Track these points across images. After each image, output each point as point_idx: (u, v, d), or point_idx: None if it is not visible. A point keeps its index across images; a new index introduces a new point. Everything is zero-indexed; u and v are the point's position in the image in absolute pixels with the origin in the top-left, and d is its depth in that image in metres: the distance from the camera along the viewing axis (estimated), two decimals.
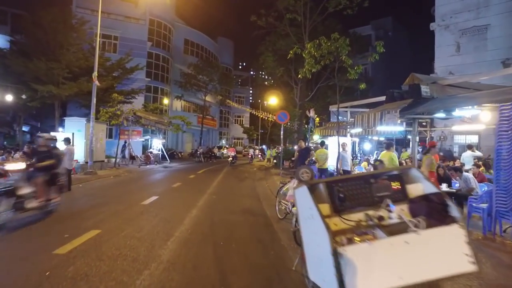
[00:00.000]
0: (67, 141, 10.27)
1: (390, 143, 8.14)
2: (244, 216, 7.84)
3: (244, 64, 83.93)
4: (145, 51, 30.01)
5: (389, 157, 8.06)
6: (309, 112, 27.94)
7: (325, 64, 10.23)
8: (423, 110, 8.60)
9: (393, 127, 15.58)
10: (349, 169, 11.15)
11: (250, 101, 60.61)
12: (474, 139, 21.05)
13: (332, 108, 14.96)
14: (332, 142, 15.34)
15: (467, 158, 12.07)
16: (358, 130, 15.04)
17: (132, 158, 22.00)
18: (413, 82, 10.09)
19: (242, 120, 55.91)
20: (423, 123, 16.66)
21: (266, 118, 48.79)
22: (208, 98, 39.14)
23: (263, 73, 30.87)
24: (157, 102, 32.24)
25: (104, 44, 27.07)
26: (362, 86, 9.56)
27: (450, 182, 8.59)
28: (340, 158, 11.26)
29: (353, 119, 14.59)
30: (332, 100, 31.16)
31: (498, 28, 20.11)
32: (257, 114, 45.11)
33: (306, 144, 21.82)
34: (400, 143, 24.61)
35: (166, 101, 35.22)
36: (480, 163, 12.23)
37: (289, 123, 32.03)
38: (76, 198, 9.51)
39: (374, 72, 37.98)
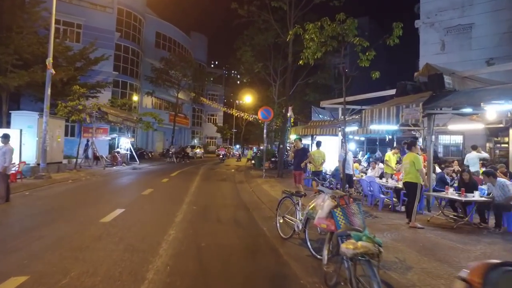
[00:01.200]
0: (5, 138, 7.93)
1: (413, 142, 6.57)
2: (238, 237, 6.01)
3: (217, 62, 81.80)
4: (112, 42, 27.21)
5: (412, 159, 6.49)
6: (287, 111, 26.49)
7: (326, 50, 8.55)
8: (451, 104, 7.14)
9: (386, 126, 14.29)
10: (351, 173, 9.58)
11: (224, 100, 58.46)
12: (458, 139, 20.38)
13: (324, 104, 13.38)
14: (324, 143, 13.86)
15: (472, 159, 10.91)
16: (352, 128, 13.60)
17: (97, 158, 19.42)
18: (429, 72, 8.67)
19: (216, 119, 53.72)
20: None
21: (241, 116, 47.07)
22: (180, 95, 36.74)
23: (241, 68, 28.93)
24: (126, 98, 29.50)
25: (65, 32, 24.08)
26: (375, 75, 7.94)
27: (477, 188, 7.20)
28: (340, 159, 9.66)
29: (356, 115, 13.17)
30: (311, 98, 29.90)
31: (482, 27, 19.50)
32: (231, 112, 43.19)
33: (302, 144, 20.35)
34: (385, 144, 23.70)
35: (135, 97, 32.50)
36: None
37: (263, 123, 30.60)
38: (11, 214, 7.23)
39: (351, 71, 37.19)
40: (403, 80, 9.22)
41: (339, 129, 14.00)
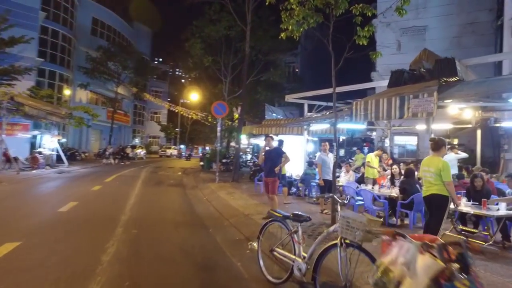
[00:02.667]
0: None
1: (441, 141, 4.79)
2: (201, 284, 3.80)
3: (161, 60, 76.59)
4: (36, 23, 22.76)
5: (439, 166, 4.62)
6: (244, 107, 24.49)
7: (309, 25, 6.66)
8: (472, 93, 5.65)
9: (354, 125, 12.96)
10: (331, 178, 7.83)
11: (168, 99, 54.52)
12: (413, 140, 20.11)
13: (290, 98, 11.59)
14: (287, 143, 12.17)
15: (451, 161, 9.86)
16: (321, 127, 12.02)
17: (9, 161, 15.53)
18: (428, 59, 7.23)
19: (159, 117, 49.76)
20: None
21: (187, 115, 43.93)
22: (120, 90, 32.82)
23: (189, 61, 26.24)
24: (55, 90, 25.08)
25: None
26: (376, 55, 6.22)
27: (490, 196, 5.84)
28: (319, 162, 7.87)
29: (315, 113, 11.51)
30: (262, 97, 28.25)
31: (435, 30, 19.43)
32: (177, 110, 40.00)
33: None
34: (342, 145, 22.84)
35: (68, 90, 28.04)
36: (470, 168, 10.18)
37: (214, 121, 28.19)
38: None
39: (302, 72, 36.44)
40: (360, 78, 7.73)
41: (305, 127, 12.36)
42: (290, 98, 11.60)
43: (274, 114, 24.64)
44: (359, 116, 6.63)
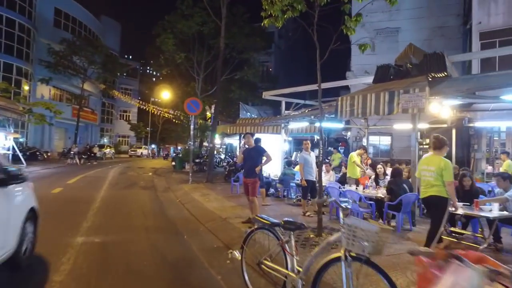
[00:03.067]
0: None
1: (444, 140, 4.41)
2: None
3: (131, 57, 73.72)
4: None
5: (441, 166, 4.15)
6: (210, 108, 23.81)
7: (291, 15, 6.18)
8: (463, 89, 5.39)
9: (332, 124, 12.68)
10: (314, 179, 7.42)
11: (138, 97, 52.61)
12: (387, 140, 20.29)
13: (267, 95, 11.10)
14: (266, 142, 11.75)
15: None
16: (299, 125, 11.62)
17: None
18: (414, 54, 6.97)
19: (129, 115, 47.74)
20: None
21: (158, 114, 42.44)
22: (87, 87, 31.01)
23: (160, 58, 25.13)
24: (12, 84, 23.12)
25: None
26: (365, 47, 5.85)
27: (478, 196, 5.63)
28: (301, 161, 7.42)
29: (292, 111, 11.07)
30: (236, 95, 27.69)
31: (407, 32, 19.72)
32: (148, 108, 38.50)
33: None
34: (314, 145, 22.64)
35: (27, 86, 26.03)
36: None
37: (186, 119, 27.24)
38: None
39: (276, 71, 36.17)
40: (334, 78, 7.44)
41: (282, 126, 11.92)
42: (267, 95, 11.11)
43: (248, 113, 24.14)
44: (345, 112, 6.24)
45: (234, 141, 25.39)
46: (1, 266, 3.14)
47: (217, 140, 33.23)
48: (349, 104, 6.15)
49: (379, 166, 7.42)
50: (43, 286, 3.36)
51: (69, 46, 25.64)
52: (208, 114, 25.38)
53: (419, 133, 7.47)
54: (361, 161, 8.95)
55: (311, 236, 5.51)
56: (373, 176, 7.65)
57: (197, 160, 20.09)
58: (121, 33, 46.23)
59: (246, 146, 6.49)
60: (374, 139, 20.34)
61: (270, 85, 34.29)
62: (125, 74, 48.05)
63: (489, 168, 12.35)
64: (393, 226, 6.32)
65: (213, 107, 23.86)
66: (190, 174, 13.28)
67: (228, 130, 18.23)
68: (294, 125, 11.48)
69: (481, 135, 14.38)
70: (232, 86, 27.76)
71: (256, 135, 12.41)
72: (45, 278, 3.55)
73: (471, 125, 12.55)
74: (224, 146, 34.25)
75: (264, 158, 6.55)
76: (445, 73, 5.73)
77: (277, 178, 10.30)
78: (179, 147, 50.36)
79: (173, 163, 21.94)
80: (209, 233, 6.08)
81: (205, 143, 30.95)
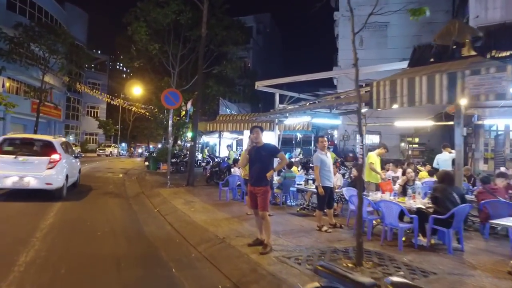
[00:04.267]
0: None
1: None
2: None
3: (100, 52, 68.79)
4: None
5: None
6: (186, 105, 21.98)
7: None
8: None
9: (330, 120, 11.32)
10: (332, 185, 5.94)
11: (107, 93, 49.18)
12: (375, 139, 19.31)
13: (261, 85, 9.51)
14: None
15: (446, 161, 8.63)
16: (294, 121, 10.13)
17: None
18: (459, 31, 5.63)
19: (98, 112, 44.31)
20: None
21: (128, 110, 39.61)
22: (48, 79, 27.90)
23: (132, 49, 22.77)
24: None
25: None
26: (420, 12, 4.34)
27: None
28: (317, 163, 5.90)
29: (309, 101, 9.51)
30: (213, 91, 25.85)
31: (396, 27, 18.84)
32: (118, 103, 35.67)
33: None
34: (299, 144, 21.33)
35: None
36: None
37: (161, 114, 25.01)
38: None
39: (254, 67, 34.55)
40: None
41: (277, 121, 10.39)
42: (260, 85, 9.52)
43: (228, 110, 22.40)
44: (383, 102, 4.80)
45: (212, 139, 23.55)
46: (71, 186, 9.25)
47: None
48: (388, 91, 4.70)
49: (409, 170, 6.05)
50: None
51: (26, 32, 22.60)
52: (182, 112, 23.32)
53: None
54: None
55: (349, 265, 4.01)
56: (399, 181, 6.28)
57: (173, 160, 18.11)
58: (89, 24, 42.75)
59: (254, 143, 4.86)
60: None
61: (249, 81, 32.72)
62: (93, 68, 44.67)
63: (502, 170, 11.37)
64: (433, 243, 4.96)
65: (189, 103, 21.93)
66: (168, 177, 11.42)
67: (208, 128, 16.48)
68: (291, 121, 9.99)
69: (479, 134, 13.57)
70: (209, 82, 25.85)
71: (245, 133, 10.79)
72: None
73: (479, 122, 11.66)
74: (200, 145, 32.32)
75: (278, 160, 4.97)
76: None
77: (275, 182, 8.72)
78: (151, 146, 47.62)
79: (147, 163, 19.82)
80: (205, 262, 4.41)
81: (179, 142, 28.85)
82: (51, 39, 23.97)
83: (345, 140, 18.93)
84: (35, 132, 25.07)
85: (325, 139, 6.11)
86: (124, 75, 52.40)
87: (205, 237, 5.37)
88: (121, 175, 15.92)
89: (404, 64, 6.89)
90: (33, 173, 7.90)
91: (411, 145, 18.53)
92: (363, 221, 5.32)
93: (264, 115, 10.37)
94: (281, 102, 10.36)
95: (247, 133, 10.83)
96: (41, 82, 25.26)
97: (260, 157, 4.80)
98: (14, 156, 7.91)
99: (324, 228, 5.83)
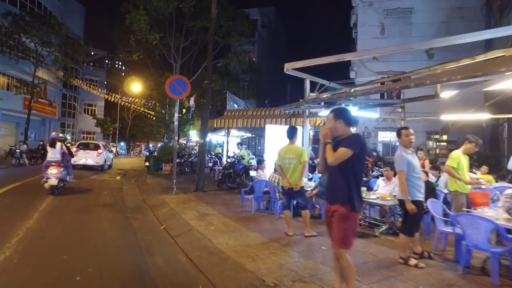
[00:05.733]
0: None
1: None
2: None
3: (97, 48, 66.15)
4: None
5: None
6: (189, 100, 19.98)
7: None
8: None
9: (368, 113, 9.41)
10: (422, 198, 3.99)
11: (106, 90, 46.96)
12: (387, 136, 17.42)
13: (291, 69, 7.53)
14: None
15: None
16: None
17: None
18: None
19: (95, 109, 42.13)
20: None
21: (127, 107, 37.53)
22: (42, 74, 25.86)
23: (131, 39, 20.75)
24: None
25: None
26: None
27: None
28: (402, 167, 3.95)
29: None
30: (217, 86, 23.84)
31: (422, 13, 16.89)
32: (116, 100, 33.61)
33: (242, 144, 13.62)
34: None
35: None
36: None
37: (163, 110, 22.98)
38: None
39: (259, 61, 32.60)
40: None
41: (307, 114, 8.48)
42: (291, 67, 7.52)
43: (235, 105, 20.44)
44: None
45: (220, 137, 21.57)
46: (108, 166, 17.38)
47: (195, 137, 29.26)
48: None
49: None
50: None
51: (16, 22, 20.53)
52: (186, 105, 21.33)
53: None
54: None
55: None
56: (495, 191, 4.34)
57: (177, 160, 16.14)
58: (86, 19, 40.61)
59: (336, 134, 2.93)
60: (384, 136, 17.44)
61: (254, 76, 30.79)
62: (90, 64, 42.49)
63: None
64: None
65: (192, 99, 19.97)
66: (174, 181, 9.45)
67: (215, 124, 14.56)
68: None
69: None
70: (213, 76, 23.79)
71: (268, 127, 8.94)
72: None
73: None
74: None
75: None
76: None
77: (310, 189, 6.78)
78: (150, 145, 45.46)
79: (147, 163, 17.80)
80: None
81: (181, 140, 26.86)
82: (44, 30, 21.91)
83: (366, 138, 17.01)
84: (26, 130, 23.06)
85: (411, 131, 4.17)
86: (123, 74, 50.16)
87: (244, 283, 3.43)
88: (118, 178, 13.93)
89: None
90: (90, 158, 16.09)
91: (438, 143, 16.63)
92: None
93: (290, 106, 8.40)
94: (313, 90, 8.42)
95: (271, 128, 8.90)
96: (32, 77, 23.17)
97: (355, 161, 2.86)
98: (83, 150, 16.22)
99: (413, 261, 3.92)
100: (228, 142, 17.45)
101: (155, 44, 20.67)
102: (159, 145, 34.56)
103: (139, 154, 36.29)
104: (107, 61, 50.71)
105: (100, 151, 16.19)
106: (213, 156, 17.22)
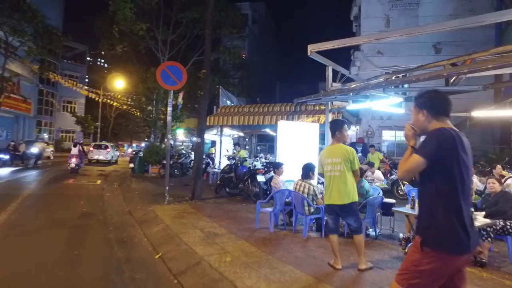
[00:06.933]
0: None
1: None
2: None
3: (79, 42, 62.47)
4: None
5: None
6: (177, 97, 18.42)
7: None
8: None
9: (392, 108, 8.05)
10: None
11: (86, 87, 44.08)
12: (388, 135, 16.25)
13: (314, 51, 6.02)
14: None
15: None
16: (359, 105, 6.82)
17: None
18: None
19: (75, 107, 39.38)
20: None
21: (110, 104, 35.13)
22: (15, 67, 23.46)
23: (114, 29, 18.75)
24: None
25: None
26: None
27: None
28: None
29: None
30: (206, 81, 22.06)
31: (429, 5, 15.78)
32: (98, 98, 31.30)
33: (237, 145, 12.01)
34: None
35: None
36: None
37: (149, 108, 21.06)
38: None
39: (249, 56, 31.06)
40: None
41: (329, 108, 7.05)
42: (316, 48, 6.04)
43: (228, 102, 18.82)
44: None
45: (212, 137, 19.88)
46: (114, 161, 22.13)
47: (181, 136, 27.41)
48: None
49: None
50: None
51: None
52: (174, 101, 19.52)
53: None
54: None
55: None
56: None
57: (165, 162, 14.40)
58: (65, 10, 37.86)
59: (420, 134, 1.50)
60: (388, 135, 16.23)
61: (245, 73, 29.25)
62: (71, 60, 39.74)
63: None
64: None
65: (180, 95, 18.26)
66: (167, 187, 7.79)
67: (208, 121, 12.94)
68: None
69: None
70: (202, 71, 21.98)
71: (281, 123, 7.49)
72: None
73: None
74: (190, 144, 28.70)
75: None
76: None
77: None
78: (134, 145, 43.05)
79: (132, 165, 15.97)
80: None
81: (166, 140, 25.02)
82: (15, 17, 19.61)
83: (369, 137, 15.77)
84: None
85: None
86: (106, 71, 47.36)
87: None
88: (99, 182, 12.07)
89: None
90: (102, 155, 21.42)
91: None
92: None
93: (309, 98, 6.89)
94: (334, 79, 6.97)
95: (284, 125, 7.38)
96: (2, 69, 20.78)
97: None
98: (97, 150, 21.59)
99: None
100: (221, 142, 15.80)
101: (141, 35, 18.81)
102: (143, 144, 32.55)
103: (124, 154, 33.94)
104: (88, 57, 47.96)
105: (108, 150, 21.79)
106: (205, 157, 15.55)
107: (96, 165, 20.07)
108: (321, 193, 5.07)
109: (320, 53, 6.12)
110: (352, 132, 14.73)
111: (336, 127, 3.78)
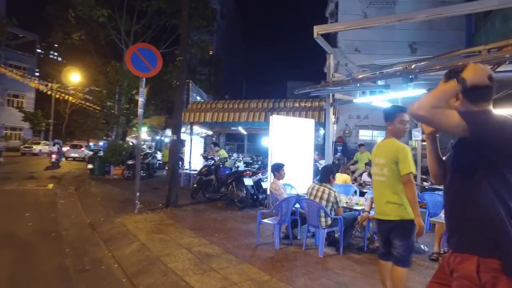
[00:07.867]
0: None
1: None
2: None
3: (27, 30, 56.34)
4: None
5: None
6: (183, 72, 16.65)
7: None
8: None
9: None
10: None
11: (37, 80, 39.84)
12: (382, 135, 16.04)
13: (320, 33, 5.10)
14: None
15: None
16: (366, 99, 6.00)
17: None
18: None
19: (23, 101, 35.31)
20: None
21: (64, 100, 31.85)
22: None
23: (70, 14, 16.55)
24: None
25: None
26: None
27: None
28: None
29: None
30: (172, 78, 20.53)
31: (406, 4, 15.72)
32: (50, 92, 28.09)
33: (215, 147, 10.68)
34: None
35: None
36: None
37: (108, 103, 18.95)
38: None
39: (218, 53, 29.73)
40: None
41: (331, 102, 6.20)
42: (323, 30, 5.16)
43: (198, 98, 17.45)
44: None
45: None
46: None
47: (144, 135, 25.41)
48: None
49: None
50: None
51: None
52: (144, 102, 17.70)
53: None
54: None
55: None
56: None
57: (130, 162, 12.83)
58: None
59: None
60: (365, 134, 15.92)
61: (213, 69, 27.94)
62: (18, 50, 35.57)
63: None
64: None
65: (145, 89, 16.57)
66: (138, 194, 6.46)
67: (190, 118, 11.61)
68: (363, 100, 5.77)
69: None
70: (169, 65, 20.35)
71: (275, 118, 6.59)
72: None
73: None
74: (153, 143, 26.85)
75: None
76: None
77: (362, 208, 4.42)
78: (91, 144, 39.64)
79: (90, 165, 14.11)
80: None
81: (130, 138, 22.97)
82: None
83: (346, 136, 15.35)
84: None
85: None
86: (60, 63, 43.16)
87: None
88: (51, 186, 10.23)
89: None
90: (77, 153, 24.79)
91: (423, 143, 15.60)
92: None
93: (315, 87, 5.94)
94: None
95: (278, 120, 6.36)
96: None
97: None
98: (73, 149, 25.33)
99: None
100: (191, 140, 14.40)
101: (102, 22, 16.89)
102: (100, 143, 29.93)
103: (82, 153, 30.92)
104: (40, 49, 43.56)
105: (82, 149, 25.12)
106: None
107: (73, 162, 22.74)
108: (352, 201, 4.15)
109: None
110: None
111: (388, 116, 2.80)
